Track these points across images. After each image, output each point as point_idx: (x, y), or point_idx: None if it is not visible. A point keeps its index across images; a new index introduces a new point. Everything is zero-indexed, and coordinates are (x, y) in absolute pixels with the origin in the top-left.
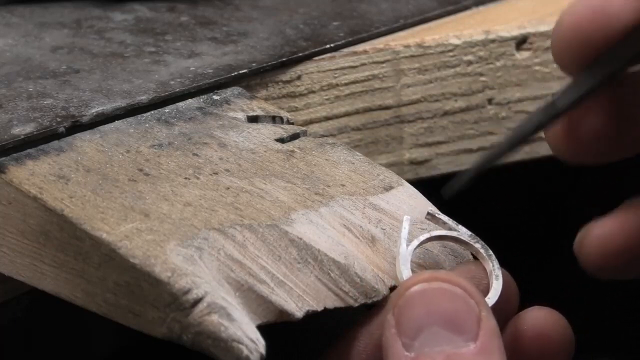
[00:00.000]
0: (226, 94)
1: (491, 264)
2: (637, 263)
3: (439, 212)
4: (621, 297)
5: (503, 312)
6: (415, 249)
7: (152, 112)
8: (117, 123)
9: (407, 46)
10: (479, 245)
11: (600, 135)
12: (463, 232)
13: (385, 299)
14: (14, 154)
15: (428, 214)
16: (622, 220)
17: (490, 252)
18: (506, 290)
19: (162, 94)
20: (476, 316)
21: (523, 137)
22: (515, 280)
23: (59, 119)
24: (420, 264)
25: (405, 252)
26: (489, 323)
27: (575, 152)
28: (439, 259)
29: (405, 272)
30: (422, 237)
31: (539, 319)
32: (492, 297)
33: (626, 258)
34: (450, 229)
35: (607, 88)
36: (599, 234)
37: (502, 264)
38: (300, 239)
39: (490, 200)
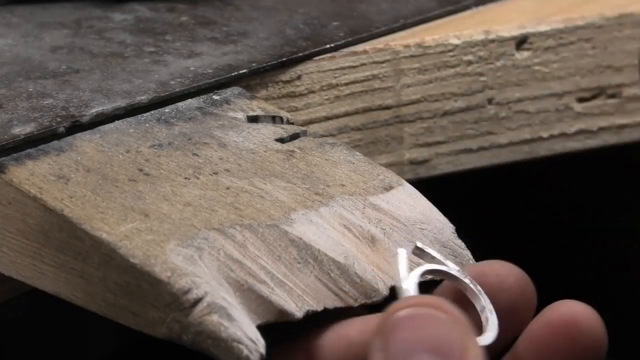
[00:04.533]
0: (226, 94)
1: (482, 300)
2: None
3: (427, 247)
4: (620, 297)
5: (519, 312)
6: (414, 283)
7: (152, 112)
8: (117, 123)
9: (407, 46)
10: (467, 280)
11: None
12: (452, 267)
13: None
14: (14, 154)
15: (417, 248)
16: None
17: (480, 287)
18: (521, 286)
19: (162, 94)
20: (462, 341)
21: None
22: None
23: (59, 119)
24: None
25: (405, 289)
26: (476, 350)
27: None
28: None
29: None
30: (419, 271)
31: (571, 312)
32: (491, 331)
33: None
34: (439, 263)
35: None
36: None
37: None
38: (300, 239)
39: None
